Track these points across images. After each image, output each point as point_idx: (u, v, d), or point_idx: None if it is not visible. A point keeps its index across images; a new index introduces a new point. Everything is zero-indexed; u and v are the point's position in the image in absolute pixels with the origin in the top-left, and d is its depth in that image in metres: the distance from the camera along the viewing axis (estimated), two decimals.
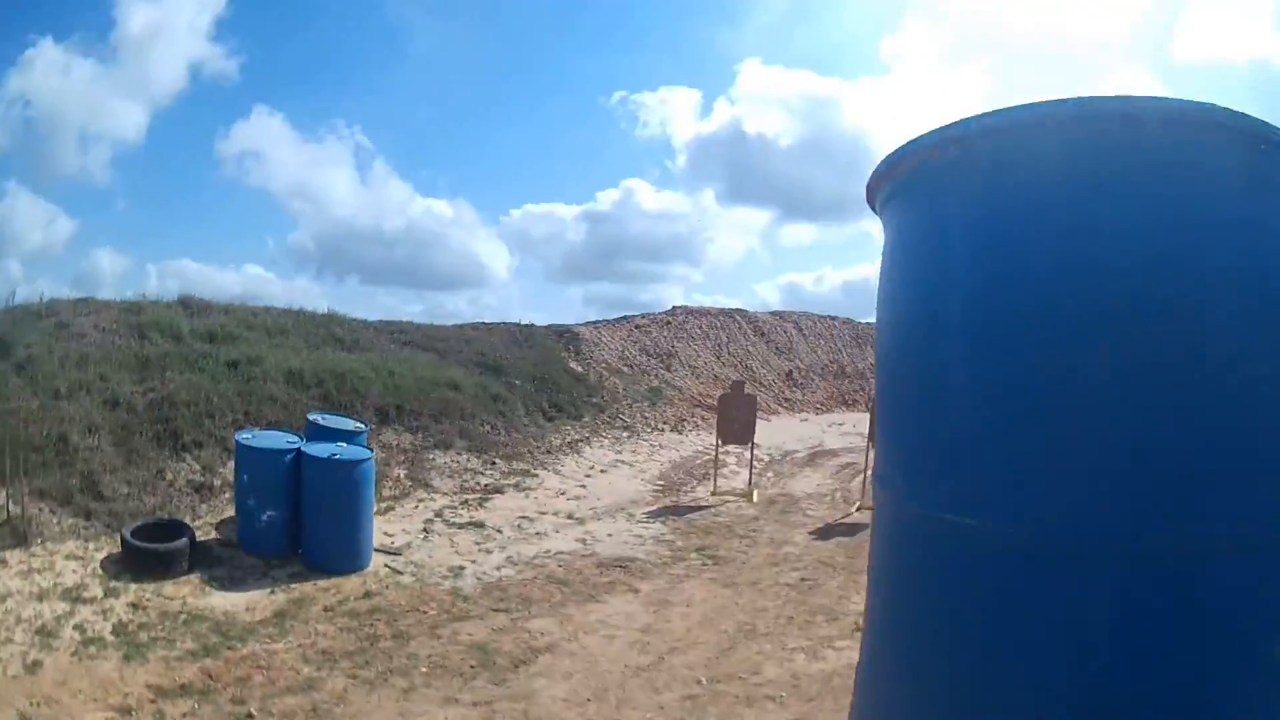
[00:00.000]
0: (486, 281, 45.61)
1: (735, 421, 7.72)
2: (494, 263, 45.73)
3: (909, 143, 1.53)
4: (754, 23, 49.83)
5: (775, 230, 51.36)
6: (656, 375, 13.88)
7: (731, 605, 4.95)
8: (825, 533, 6.72)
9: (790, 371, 16.16)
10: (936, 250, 1.51)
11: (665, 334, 15.36)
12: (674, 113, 49.00)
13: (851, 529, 6.75)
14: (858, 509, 7.19)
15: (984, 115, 1.41)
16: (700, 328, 16.29)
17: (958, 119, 1.44)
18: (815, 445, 11.68)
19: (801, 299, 45.18)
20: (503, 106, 47.10)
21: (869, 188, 1.71)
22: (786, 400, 15.35)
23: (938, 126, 1.47)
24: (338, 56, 42.72)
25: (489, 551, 5.94)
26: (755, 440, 8.09)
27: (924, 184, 1.54)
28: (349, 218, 46.46)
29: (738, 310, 17.69)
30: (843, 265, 57.24)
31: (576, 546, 6.18)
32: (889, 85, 55.74)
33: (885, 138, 54.79)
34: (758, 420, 8.36)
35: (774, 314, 18.01)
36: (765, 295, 54.29)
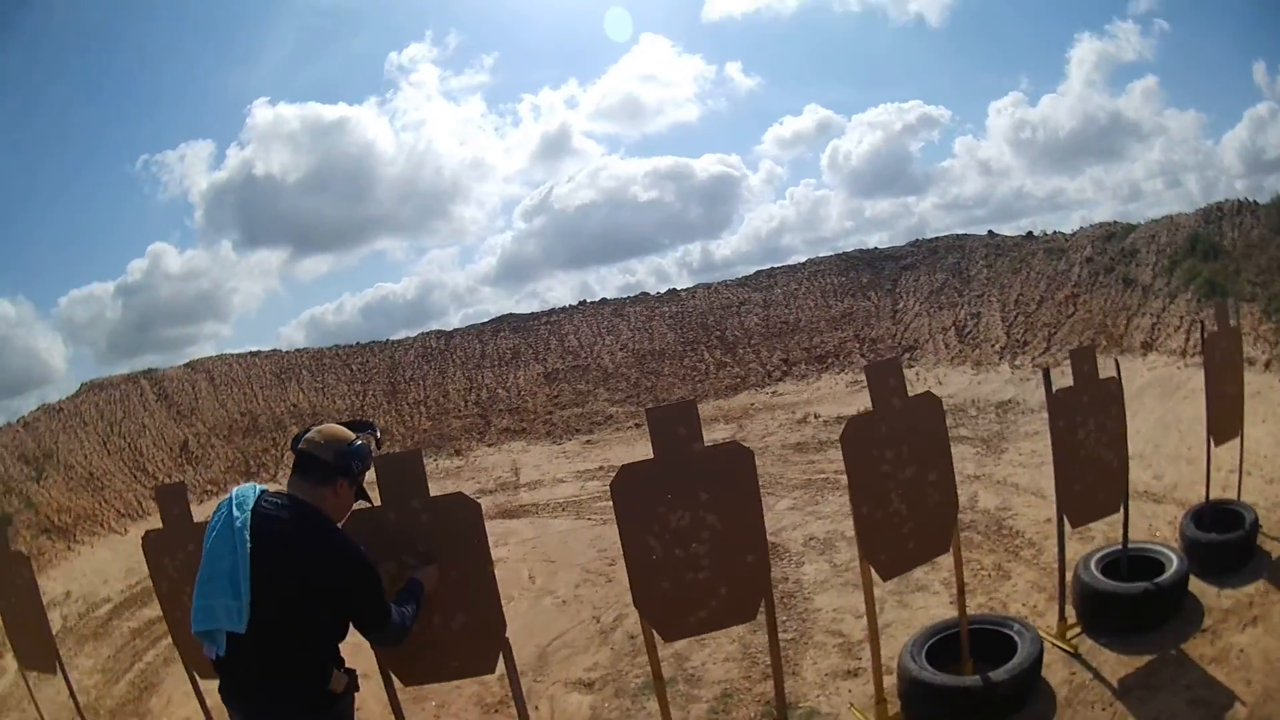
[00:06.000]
0: (50, 378, 41.42)
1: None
2: (52, 358, 35.86)
3: None
4: (263, 63, 49.90)
5: (292, 267, 48.49)
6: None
7: None
8: None
9: (186, 442, 12.76)
10: None
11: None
12: (191, 168, 45.00)
13: None
14: None
15: None
16: (98, 406, 12.18)
17: None
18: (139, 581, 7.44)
19: (325, 331, 42.08)
20: (41, 188, 41.24)
21: None
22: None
23: None
24: None
25: None
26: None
27: None
28: None
29: (146, 372, 13.72)
30: (359, 289, 58.21)
31: None
32: (397, 102, 54.87)
33: (391, 154, 53.78)
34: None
35: (186, 366, 13.88)
36: (291, 335, 50.45)
